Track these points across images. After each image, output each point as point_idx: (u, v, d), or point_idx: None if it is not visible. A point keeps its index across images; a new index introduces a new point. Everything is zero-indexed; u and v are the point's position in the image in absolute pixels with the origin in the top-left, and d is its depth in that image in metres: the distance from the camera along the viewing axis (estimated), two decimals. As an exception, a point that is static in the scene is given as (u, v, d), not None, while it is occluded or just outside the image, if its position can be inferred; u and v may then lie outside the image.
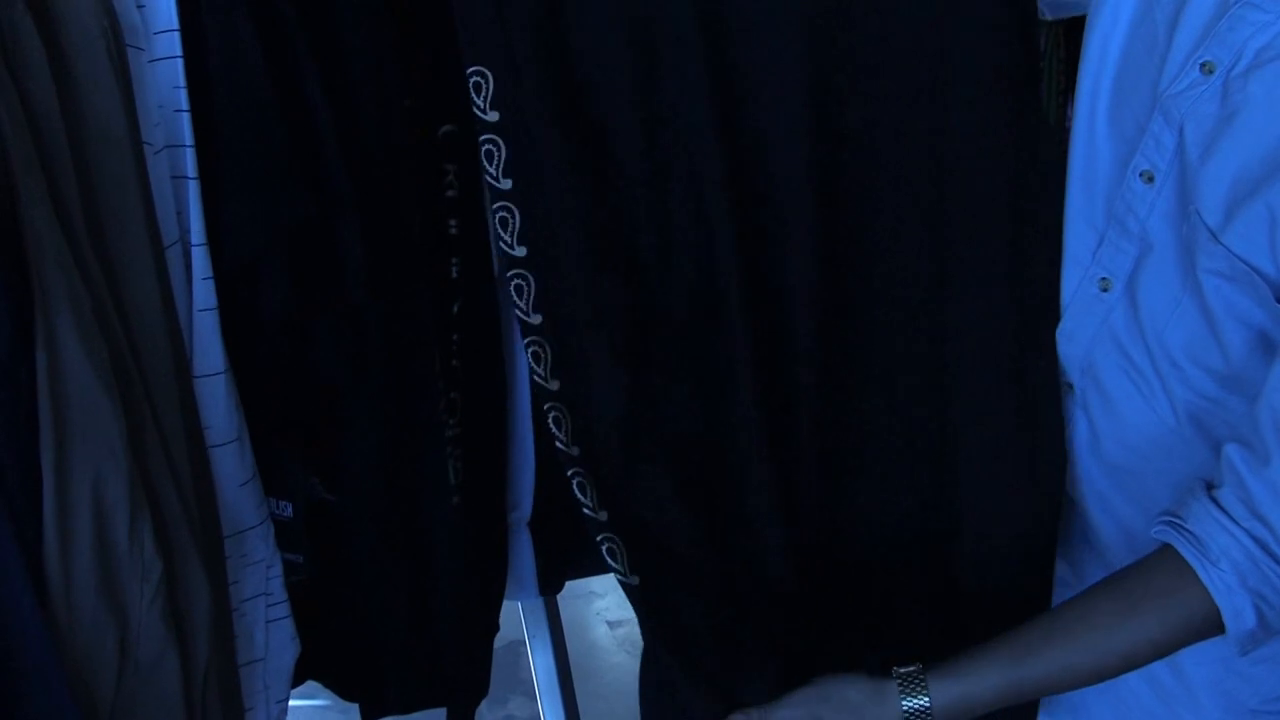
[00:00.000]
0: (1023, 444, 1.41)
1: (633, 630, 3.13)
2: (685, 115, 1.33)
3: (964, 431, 1.44)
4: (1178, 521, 1.15)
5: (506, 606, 1.73)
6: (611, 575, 1.41)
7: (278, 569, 1.37)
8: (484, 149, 1.30)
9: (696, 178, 1.34)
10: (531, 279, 1.33)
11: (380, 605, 1.54)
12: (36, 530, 1.05)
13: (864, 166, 1.39)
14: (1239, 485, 1.12)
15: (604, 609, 3.39)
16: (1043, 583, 1.46)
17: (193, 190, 1.20)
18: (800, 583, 1.45)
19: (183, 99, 1.17)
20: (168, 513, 1.15)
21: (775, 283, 1.39)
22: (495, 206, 1.32)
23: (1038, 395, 1.40)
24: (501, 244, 1.33)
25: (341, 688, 1.63)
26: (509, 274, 1.33)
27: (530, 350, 1.35)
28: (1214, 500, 1.14)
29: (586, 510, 1.38)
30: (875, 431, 1.47)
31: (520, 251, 1.33)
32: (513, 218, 1.32)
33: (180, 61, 1.16)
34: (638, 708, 1.62)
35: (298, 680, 1.51)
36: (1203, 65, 1.20)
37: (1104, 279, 1.32)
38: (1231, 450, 1.14)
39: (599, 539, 1.39)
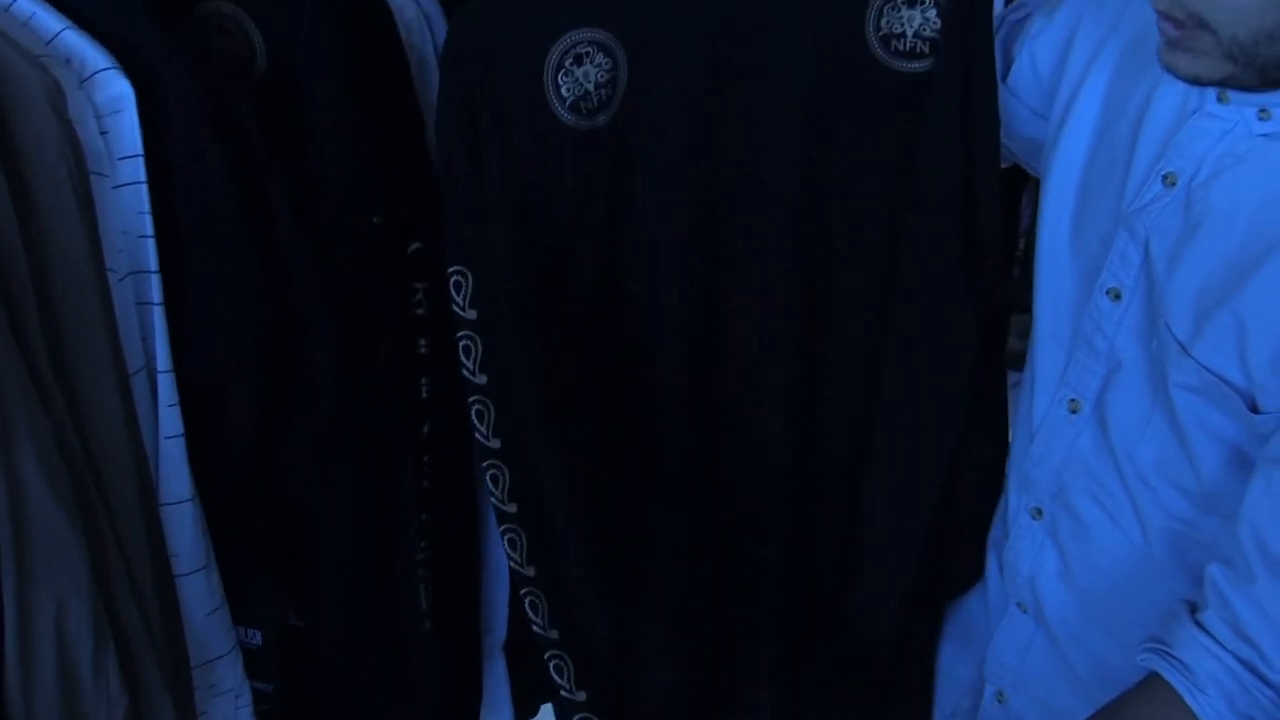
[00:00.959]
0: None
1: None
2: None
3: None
4: (1164, 648, 1.13)
5: (482, 732, 1.70)
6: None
7: (246, 698, 1.35)
8: (461, 344, 1.38)
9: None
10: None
11: (352, 733, 1.51)
12: (-2, 661, 1.04)
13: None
14: (1223, 606, 1.11)
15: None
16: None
17: (158, 316, 1.19)
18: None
19: (147, 224, 1.17)
20: (133, 642, 1.14)
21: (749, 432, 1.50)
22: (471, 400, 1.40)
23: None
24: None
25: (314, 819, 1.59)
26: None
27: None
28: (1199, 624, 1.12)
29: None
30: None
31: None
32: (488, 410, 1.40)
33: (144, 187, 1.16)
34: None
35: (269, 811, 1.47)
36: (1164, 177, 1.21)
37: (1073, 400, 1.31)
38: (1214, 570, 1.12)
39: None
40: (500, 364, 1.39)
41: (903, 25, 1.38)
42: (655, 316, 1.44)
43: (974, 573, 1.51)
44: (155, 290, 1.18)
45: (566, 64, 1.33)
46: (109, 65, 1.13)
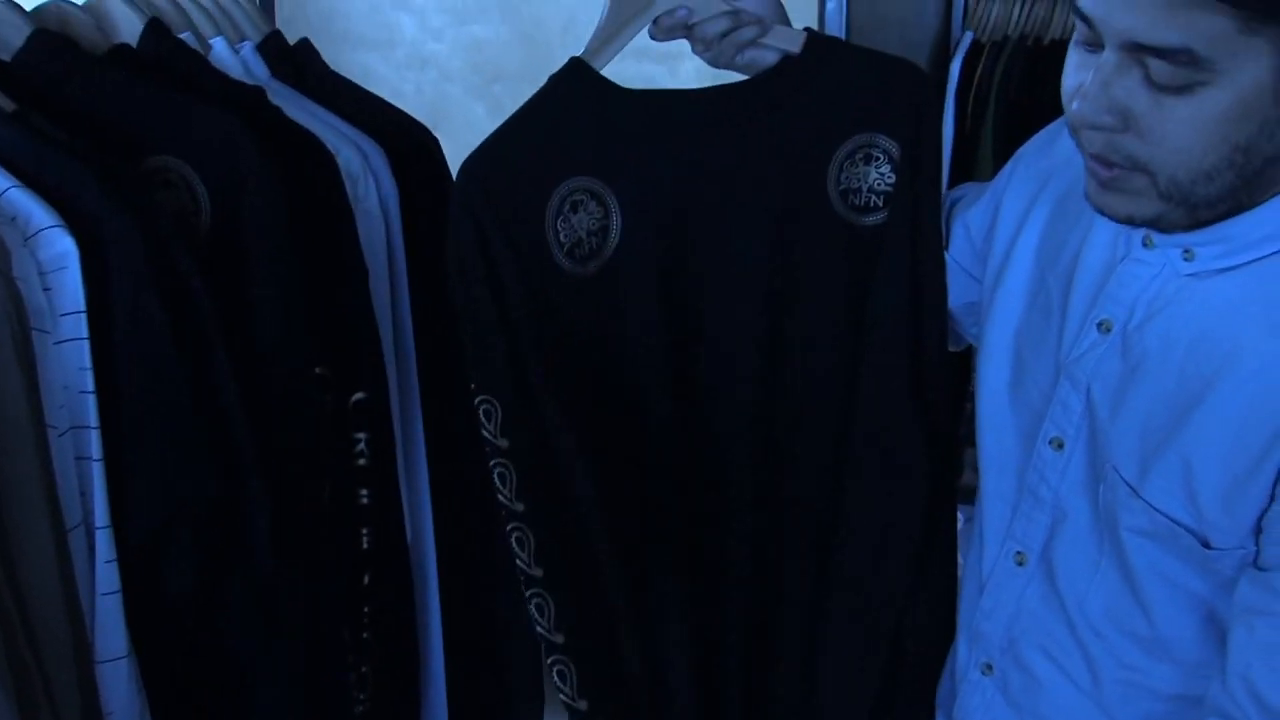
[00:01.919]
0: None
1: None
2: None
3: None
4: None
5: None
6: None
7: None
8: (495, 471, 1.38)
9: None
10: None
11: None
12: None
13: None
14: None
15: None
16: None
17: (97, 471, 1.17)
18: None
19: (88, 380, 1.16)
20: (64, 806, 1.11)
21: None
22: (510, 528, 1.41)
23: None
24: (519, 561, 1.41)
25: None
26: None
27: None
28: None
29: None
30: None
31: (538, 572, 1.41)
32: (527, 538, 1.40)
33: (86, 343, 1.15)
34: None
35: None
36: (1099, 324, 1.22)
37: (1019, 553, 1.31)
38: None
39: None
40: (536, 488, 1.40)
41: (859, 181, 1.43)
42: (649, 448, 1.47)
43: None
44: (95, 446, 1.17)
45: (565, 210, 1.37)
46: (53, 223, 1.13)
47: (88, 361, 1.16)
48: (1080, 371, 1.24)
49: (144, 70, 1.34)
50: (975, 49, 2.99)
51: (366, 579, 1.46)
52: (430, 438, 1.61)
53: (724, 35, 1.39)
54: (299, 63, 1.62)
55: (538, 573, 1.41)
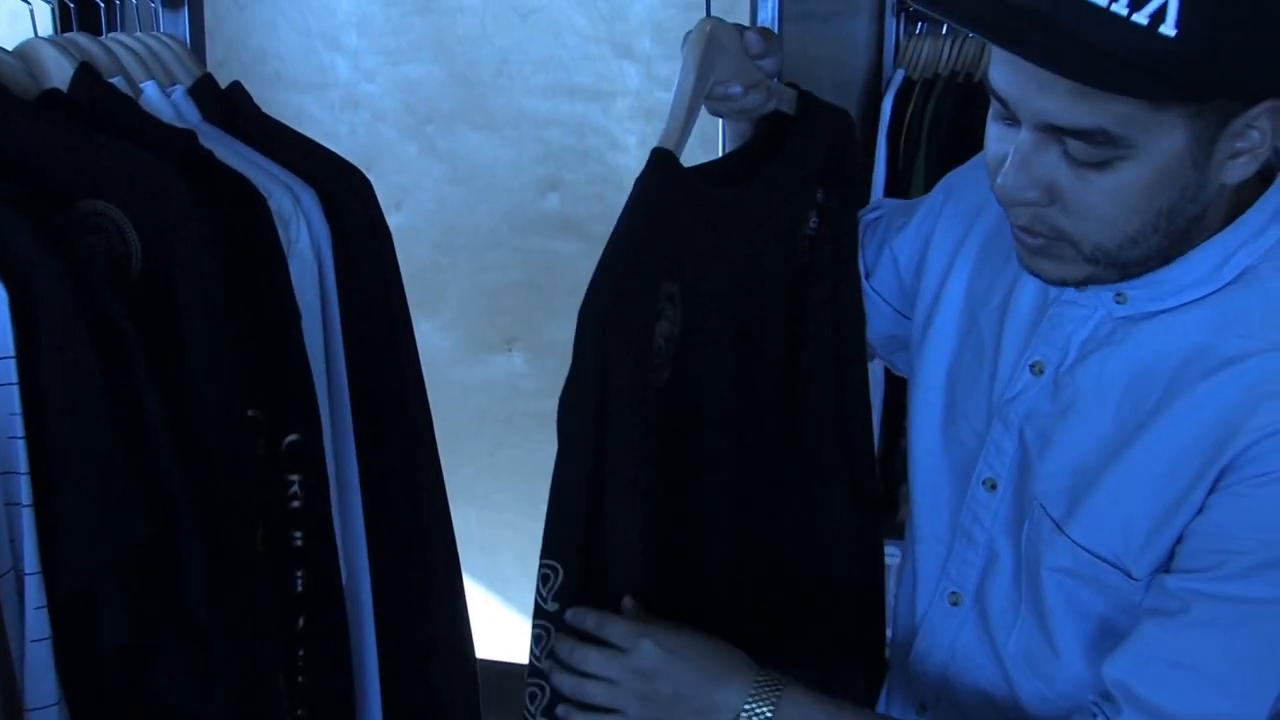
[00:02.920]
0: None
1: None
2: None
3: None
4: None
5: None
6: None
7: None
8: (535, 633, 1.30)
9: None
10: None
11: None
12: None
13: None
14: None
15: None
16: None
17: (26, 517, 1.16)
18: None
19: (18, 425, 1.15)
20: None
21: None
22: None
23: None
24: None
25: None
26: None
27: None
28: None
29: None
30: None
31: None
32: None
33: (16, 388, 1.14)
34: None
35: None
36: (1032, 366, 1.24)
37: (954, 593, 1.32)
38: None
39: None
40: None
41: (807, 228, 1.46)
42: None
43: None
44: (24, 492, 1.16)
45: (659, 312, 1.28)
46: (-17, 268, 1.12)
47: (17, 407, 1.15)
48: (1013, 413, 1.25)
49: (75, 115, 1.34)
50: (907, 86, 2.99)
51: (301, 622, 1.45)
52: (365, 479, 1.60)
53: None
54: (231, 105, 1.62)
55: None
